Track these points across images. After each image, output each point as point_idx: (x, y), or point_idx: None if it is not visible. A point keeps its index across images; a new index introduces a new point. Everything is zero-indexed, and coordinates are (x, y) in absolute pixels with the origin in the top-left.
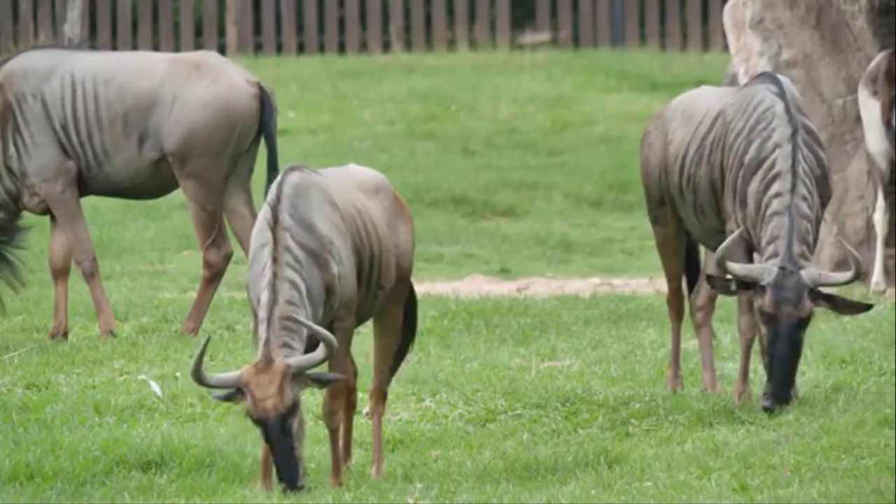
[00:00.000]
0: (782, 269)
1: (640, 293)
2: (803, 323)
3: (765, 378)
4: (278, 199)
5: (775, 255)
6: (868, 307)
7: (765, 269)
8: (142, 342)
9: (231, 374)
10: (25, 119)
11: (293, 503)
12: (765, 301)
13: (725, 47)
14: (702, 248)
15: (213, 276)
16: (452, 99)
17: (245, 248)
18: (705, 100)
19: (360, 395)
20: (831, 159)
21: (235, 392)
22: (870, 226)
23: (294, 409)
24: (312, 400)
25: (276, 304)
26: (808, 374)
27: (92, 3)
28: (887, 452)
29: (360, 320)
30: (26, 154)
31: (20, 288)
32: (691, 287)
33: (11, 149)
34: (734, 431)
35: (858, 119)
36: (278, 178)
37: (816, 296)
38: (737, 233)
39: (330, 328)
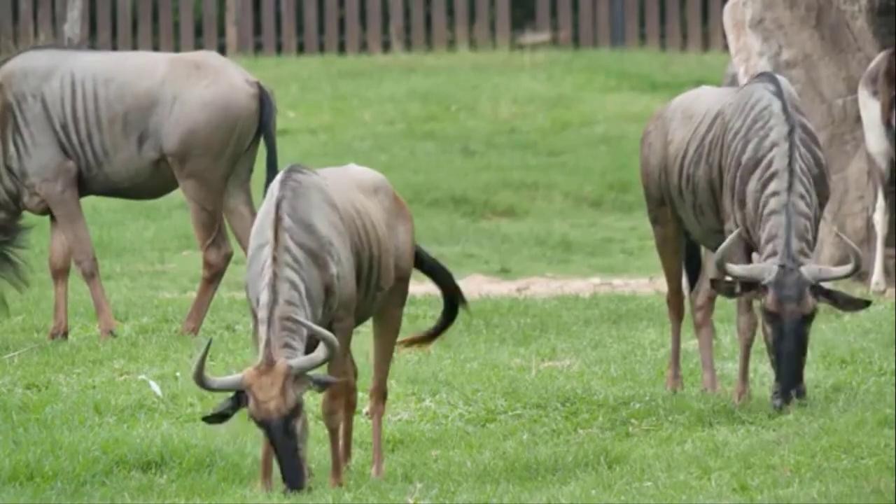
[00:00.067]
0: (782, 266)
1: (640, 293)
2: (807, 319)
3: (765, 378)
4: (278, 199)
5: (774, 253)
6: (867, 303)
7: (765, 268)
8: (142, 342)
9: (233, 377)
10: (25, 119)
11: (293, 503)
12: (767, 300)
13: (725, 47)
14: (703, 248)
15: (213, 276)
16: (452, 99)
17: (245, 248)
18: (705, 100)
19: (360, 394)
20: (831, 159)
21: (237, 401)
22: (870, 226)
23: (297, 410)
24: (312, 400)
25: (276, 305)
26: (808, 374)
27: (92, 3)
28: (887, 452)
29: (360, 320)
30: (26, 154)
31: (24, 287)
32: (692, 287)
33: (11, 149)
34: (734, 431)
35: (858, 119)
36: (278, 179)
37: (818, 291)
38: (735, 233)
39: (329, 328)
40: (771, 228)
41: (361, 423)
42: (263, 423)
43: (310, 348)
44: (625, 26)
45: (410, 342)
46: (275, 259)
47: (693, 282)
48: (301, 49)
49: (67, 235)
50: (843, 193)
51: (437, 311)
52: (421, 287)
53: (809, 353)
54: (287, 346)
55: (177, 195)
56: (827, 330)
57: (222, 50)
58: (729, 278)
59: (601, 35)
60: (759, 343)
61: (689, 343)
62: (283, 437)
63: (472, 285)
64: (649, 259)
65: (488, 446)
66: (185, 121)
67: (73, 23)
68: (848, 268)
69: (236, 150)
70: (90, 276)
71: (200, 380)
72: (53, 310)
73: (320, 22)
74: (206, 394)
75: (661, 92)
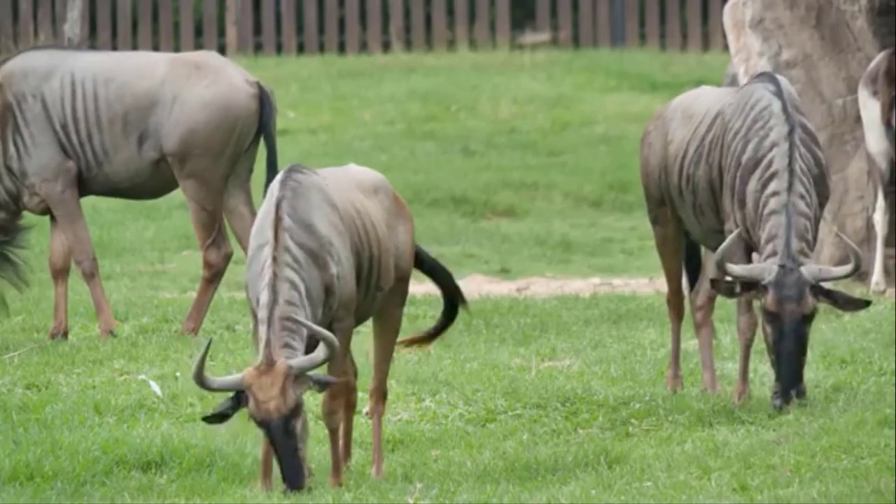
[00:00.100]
0: (782, 266)
1: (640, 293)
2: (807, 319)
3: (764, 378)
4: (278, 199)
5: (774, 253)
6: (867, 303)
7: (765, 268)
8: (142, 342)
9: (233, 377)
10: (25, 119)
11: (293, 503)
12: (767, 300)
13: (725, 47)
14: (703, 248)
15: (213, 276)
16: (452, 99)
17: (245, 248)
18: (705, 100)
19: (360, 394)
20: (831, 159)
21: (237, 401)
22: (870, 226)
23: (297, 410)
24: (312, 400)
25: (276, 305)
26: (808, 374)
27: (92, 3)
28: (887, 452)
29: (360, 320)
30: (26, 154)
31: (24, 287)
32: (692, 287)
33: (11, 149)
34: (734, 431)
35: (858, 119)
36: (278, 179)
37: (818, 291)
38: (735, 234)
39: (329, 328)
40: (771, 228)
41: (361, 423)
42: (263, 424)
43: (310, 348)
44: (625, 26)
45: (410, 342)
46: (275, 259)
47: (693, 282)
48: (301, 49)
49: (67, 235)
50: (843, 193)
51: (437, 311)
52: (421, 287)
53: (809, 353)
54: (287, 346)
55: (177, 195)
56: (827, 330)
57: (222, 50)
58: (729, 278)
59: (601, 35)
60: (759, 343)
61: (689, 343)
62: (283, 437)
63: (472, 285)
64: (649, 259)
65: (488, 446)
66: (185, 121)
67: (73, 23)
68: (848, 268)
69: (236, 150)
70: (90, 276)
71: (200, 380)
72: (53, 310)
73: (320, 22)
74: (206, 394)
75: (661, 92)
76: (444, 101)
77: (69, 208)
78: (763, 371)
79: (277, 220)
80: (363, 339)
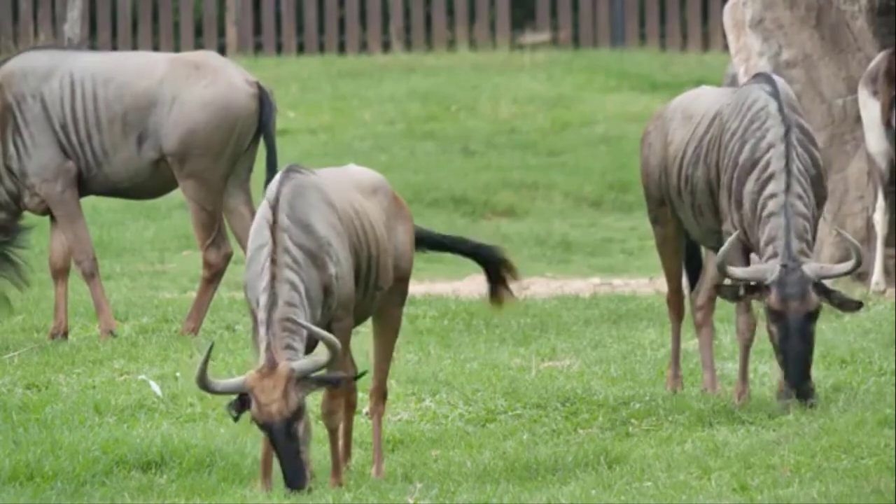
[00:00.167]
0: (784, 266)
1: (640, 293)
2: (812, 316)
3: (765, 378)
4: (276, 199)
5: (775, 254)
6: (860, 304)
7: (767, 268)
8: (142, 342)
9: (235, 380)
10: (25, 119)
11: (293, 503)
12: (771, 299)
13: (725, 47)
14: (703, 248)
15: (213, 276)
16: (452, 99)
17: (244, 248)
18: (705, 100)
19: (360, 394)
20: (831, 159)
21: (241, 404)
22: (870, 226)
23: (299, 413)
24: (312, 400)
25: (277, 306)
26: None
27: (92, 3)
28: (887, 452)
29: (359, 320)
30: (26, 154)
31: (25, 287)
32: (692, 287)
33: (11, 149)
34: (734, 431)
35: (858, 119)
36: (276, 179)
37: (820, 289)
38: (734, 236)
39: (328, 329)
40: (770, 230)
41: (361, 423)
42: (265, 426)
43: (309, 347)
44: (625, 26)
45: (498, 301)
46: (274, 261)
47: (693, 282)
48: (301, 49)
49: (67, 235)
50: (843, 193)
51: (435, 310)
52: (421, 287)
53: None
54: (288, 346)
55: (177, 195)
56: (827, 330)
57: (222, 50)
58: (728, 281)
59: (601, 35)
60: (759, 343)
61: (689, 343)
62: (285, 439)
63: (472, 285)
64: (649, 259)
65: (488, 446)
66: (185, 121)
67: (73, 23)
68: (849, 264)
69: (236, 150)
70: (90, 276)
71: (203, 383)
72: (53, 310)
73: (320, 22)
74: (205, 394)
75: (661, 92)
76: (444, 101)
77: (69, 208)
78: (763, 371)
79: (275, 220)
80: (363, 339)
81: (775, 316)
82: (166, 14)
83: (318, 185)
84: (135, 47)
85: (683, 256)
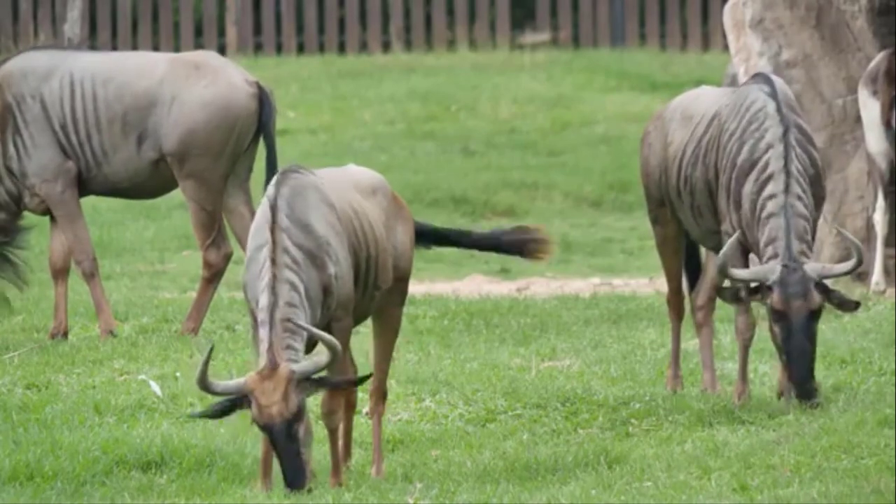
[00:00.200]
0: (785, 266)
1: (640, 293)
2: (815, 315)
3: (765, 378)
4: (275, 200)
5: (775, 255)
6: (857, 305)
7: (768, 269)
8: (142, 342)
9: (236, 382)
10: (25, 120)
11: (293, 503)
12: (774, 299)
13: (725, 47)
14: (703, 248)
15: (213, 275)
16: (452, 99)
17: (244, 248)
18: (704, 100)
19: (359, 394)
20: (831, 159)
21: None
22: (870, 226)
23: (299, 414)
24: (312, 400)
25: (277, 307)
26: None
27: (92, 3)
28: (887, 452)
29: (358, 320)
30: (26, 155)
31: (24, 287)
32: (692, 287)
33: (11, 150)
34: (734, 431)
35: (858, 119)
36: (275, 179)
37: (821, 289)
38: (734, 238)
39: (328, 328)
40: (770, 231)
41: (361, 423)
42: (266, 428)
43: (309, 347)
44: (625, 26)
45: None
46: (273, 261)
47: (692, 282)
48: (301, 49)
49: (67, 235)
50: (843, 193)
51: (435, 310)
52: (421, 287)
53: None
54: (289, 347)
55: (177, 195)
56: (827, 330)
57: (222, 50)
58: (727, 284)
59: (601, 35)
60: (759, 343)
61: (689, 343)
62: (285, 441)
63: (472, 285)
64: (649, 259)
65: (488, 446)
66: (185, 121)
67: (73, 23)
68: (850, 264)
69: (236, 150)
70: (90, 276)
71: (204, 384)
72: (53, 310)
73: (320, 22)
74: (205, 394)
75: (661, 92)
76: (444, 101)
77: (69, 208)
78: (763, 371)
79: (275, 221)
80: (363, 339)
81: (778, 316)
82: (166, 14)
83: (316, 186)
84: (135, 47)
85: (684, 256)
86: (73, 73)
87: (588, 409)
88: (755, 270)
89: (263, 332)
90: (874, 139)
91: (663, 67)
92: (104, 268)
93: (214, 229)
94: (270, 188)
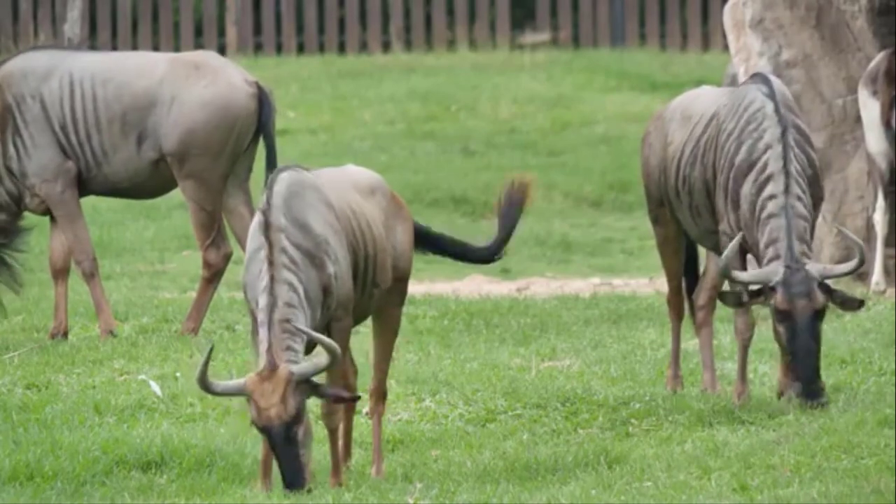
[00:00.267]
0: (788, 267)
1: (640, 293)
2: (819, 315)
3: (765, 378)
4: (271, 199)
5: (776, 256)
6: (862, 303)
7: (771, 270)
8: (142, 342)
9: (235, 382)
10: (25, 120)
11: (293, 503)
12: (777, 299)
13: (725, 47)
14: (702, 248)
15: (213, 275)
16: (452, 99)
17: (244, 248)
18: (704, 100)
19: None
20: (831, 159)
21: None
22: (870, 226)
23: (298, 416)
24: (312, 400)
25: (276, 308)
26: None
27: (92, 3)
28: (887, 452)
29: (358, 320)
30: (26, 155)
31: (20, 290)
32: (691, 287)
33: (11, 150)
34: (734, 431)
35: (858, 119)
36: (271, 179)
37: (823, 289)
38: (735, 240)
39: (328, 329)
40: (771, 232)
41: (361, 423)
42: (265, 430)
43: (308, 347)
44: (625, 26)
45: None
46: (271, 262)
47: (692, 283)
48: (301, 49)
49: (67, 235)
50: (843, 193)
51: (435, 310)
52: (421, 287)
53: None
54: (289, 348)
55: (177, 195)
56: (827, 330)
57: (222, 50)
58: (727, 287)
59: (601, 35)
60: (758, 343)
61: (689, 343)
62: (284, 443)
63: (472, 285)
64: (649, 259)
65: (488, 446)
66: (184, 121)
67: (73, 23)
68: (852, 264)
69: (235, 150)
70: (90, 276)
71: (204, 384)
72: (53, 310)
73: (320, 22)
74: (205, 394)
75: (661, 92)
76: (444, 101)
77: (69, 208)
78: (763, 371)
79: (269, 221)
80: (363, 339)
81: (782, 316)
82: (166, 14)
83: (314, 185)
84: (135, 47)
85: (684, 256)
86: (72, 73)
87: (588, 409)
88: (758, 273)
89: (263, 333)
90: (874, 139)
91: (663, 67)
92: (104, 268)
93: (214, 229)
94: (268, 188)
